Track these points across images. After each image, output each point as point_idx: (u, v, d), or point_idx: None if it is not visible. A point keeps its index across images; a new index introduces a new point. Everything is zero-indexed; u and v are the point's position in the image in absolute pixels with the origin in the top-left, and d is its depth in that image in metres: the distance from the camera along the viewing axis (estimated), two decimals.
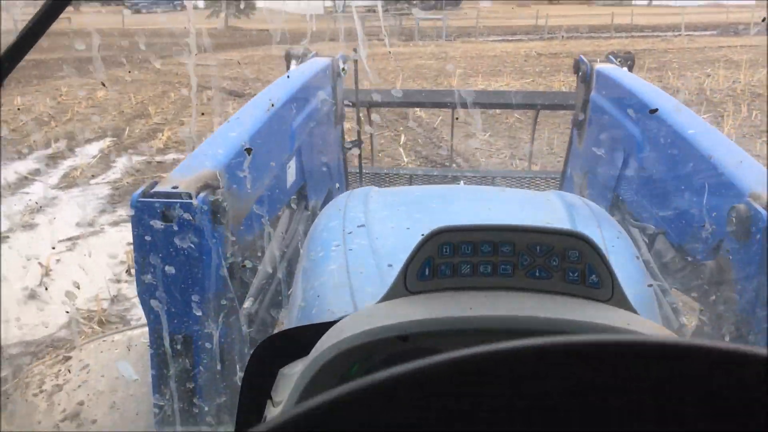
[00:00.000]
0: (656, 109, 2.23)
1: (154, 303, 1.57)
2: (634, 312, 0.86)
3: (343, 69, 2.92)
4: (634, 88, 2.51)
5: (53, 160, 7.70)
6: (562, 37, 22.29)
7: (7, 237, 5.20)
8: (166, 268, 1.55)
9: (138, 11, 32.77)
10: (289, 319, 1.63)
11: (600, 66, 2.90)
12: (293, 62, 3.07)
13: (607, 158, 2.60)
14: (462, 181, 3.56)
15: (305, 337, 0.91)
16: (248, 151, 1.77)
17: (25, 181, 6.89)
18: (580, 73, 2.97)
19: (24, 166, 7.41)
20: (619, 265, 1.46)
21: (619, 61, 3.03)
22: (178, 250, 1.53)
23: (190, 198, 1.52)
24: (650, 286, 1.49)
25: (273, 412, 0.93)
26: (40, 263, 4.52)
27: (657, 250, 2.06)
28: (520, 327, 0.78)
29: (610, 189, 2.52)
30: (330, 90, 2.97)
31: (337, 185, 3.10)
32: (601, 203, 2.46)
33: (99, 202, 6.10)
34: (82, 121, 9.91)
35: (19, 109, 10.52)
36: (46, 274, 4.49)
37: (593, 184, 2.77)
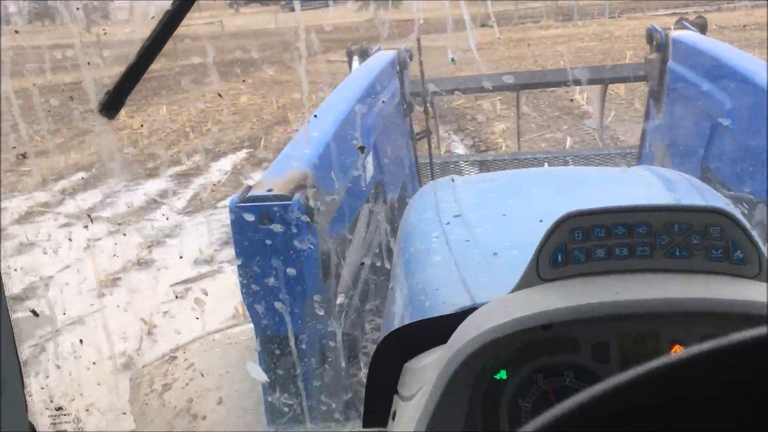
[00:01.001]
0: None
1: (259, 306, 1.63)
2: None
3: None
4: (716, 52, 2.47)
5: (186, 178, 7.54)
6: (745, 6, 20.03)
7: (118, 279, 4.86)
8: (270, 270, 1.60)
9: (292, 9, 35.27)
10: (390, 314, 1.71)
11: (675, 33, 2.85)
12: (355, 59, 3.18)
13: (692, 128, 2.56)
14: (546, 163, 3.57)
15: (430, 330, 0.94)
16: (361, 149, 1.85)
17: (153, 204, 6.68)
18: (654, 43, 2.92)
19: (155, 186, 7.26)
20: None
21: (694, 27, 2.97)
22: (280, 251, 1.59)
23: (288, 199, 1.58)
24: None
25: (401, 406, 0.95)
26: (142, 319, 3.97)
27: (757, 221, 2.03)
28: (666, 310, 0.79)
29: (697, 160, 2.49)
30: (397, 83, 3.05)
31: (409, 177, 3.17)
32: (690, 175, 2.42)
33: (222, 232, 5.53)
34: (223, 130, 9.76)
35: (142, 125, 10.32)
36: (149, 332, 3.92)
37: (676, 156, 2.74)
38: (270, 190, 1.62)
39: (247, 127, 9.83)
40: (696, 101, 2.55)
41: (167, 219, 6.08)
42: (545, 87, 5.09)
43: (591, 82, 4.11)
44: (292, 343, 1.67)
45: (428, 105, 3.43)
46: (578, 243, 0.88)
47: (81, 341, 3.64)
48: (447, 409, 0.86)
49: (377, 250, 2.37)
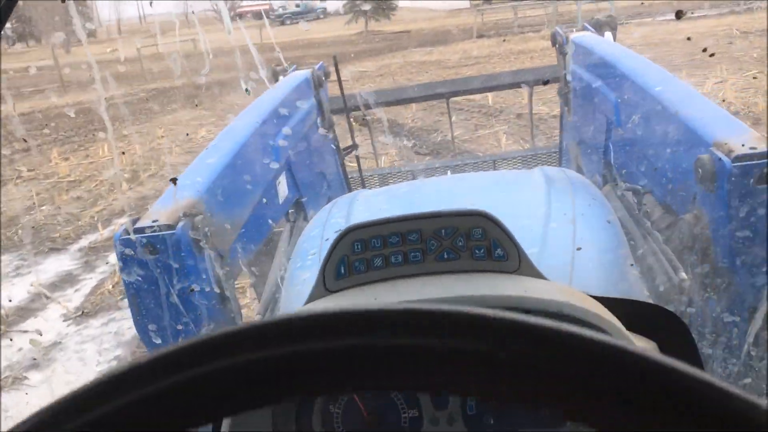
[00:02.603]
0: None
1: (155, 339, 1.79)
2: (542, 278, 1.01)
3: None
4: (605, 53, 2.85)
5: (96, 254, 6.42)
6: None
7: None
8: (161, 301, 1.74)
9: (282, 23, 36.90)
10: None
11: (575, 35, 3.26)
12: (281, 78, 3.46)
13: (593, 127, 2.94)
14: (449, 171, 3.96)
15: None
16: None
17: (37, 303, 5.38)
18: (557, 45, 3.37)
19: (55, 267, 6.20)
20: (588, 231, 1.81)
21: (598, 27, 3.41)
22: (168, 281, 1.72)
23: (172, 228, 1.72)
24: (579, 249, 1.64)
25: None
26: None
27: (646, 210, 2.35)
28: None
29: (599, 156, 2.87)
30: (313, 100, 3.34)
31: (339, 193, 3.41)
32: (596, 172, 2.84)
33: (124, 351, 4.39)
34: (166, 178, 8.51)
35: (70, 173, 9.49)
36: None
37: (586, 153, 3.14)
38: (155, 221, 1.74)
39: None
40: (593, 100, 2.91)
41: (40, 335, 4.74)
42: (471, 93, 5.45)
43: (514, 85, 4.58)
44: None
45: (351, 120, 3.76)
46: (359, 254, 1.04)
47: None
48: (255, 427, 0.99)
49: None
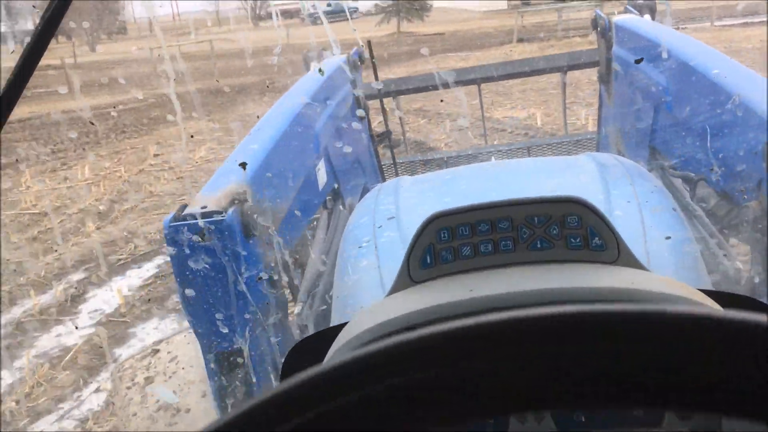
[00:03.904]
0: (641, 59, 2.72)
1: (202, 323, 1.91)
2: (644, 269, 1.01)
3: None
4: (652, 35, 3.01)
5: (30, 331, 5.24)
6: None
7: None
8: (209, 286, 1.85)
9: (314, 22, 38.03)
10: (333, 321, 1.93)
11: (618, 18, 3.46)
12: (313, 64, 3.75)
13: (638, 111, 3.09)
14: (493, 157, 4.19)
15: (333, 338, 1.09)
16: (243, 165, 2.12)
17: None
18: (599, 29, 3.57)
19: None
20: (654, 219, 1.91)
21: (639, 10, 3.62)
22: (218, 266, 1.83)
23: (221, 215, 1.83)
24: (668, 238, 1.73)
25: None
26: None
27: (700, 197, 2.45)
28: (520, 302, 0.91)
29: (645, 142, 3.01)
30: (349, 86, 3.59)
31: (373, 180, 3.67)
32: (639, 158, 2.94)
33: None
34: (146, 213, 8.16)
35: (36, 203, 8.69)
36: None
37: (628, 139, 3.30)
38: (204, 207, 1.86)
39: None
40: (639, 84, 3.06)
41: None
42: (505, 79, 5.70)
43: (548, 71, 4.89)
44: (244, 352, 1.93)
45: (385, 106, 4.03)
46: (445, 243, 1.06)
47: None
48: None
49: (337, 249, 2.73)
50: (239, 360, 1.94)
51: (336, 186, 3.10)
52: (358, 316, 1.09)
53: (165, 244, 1.86)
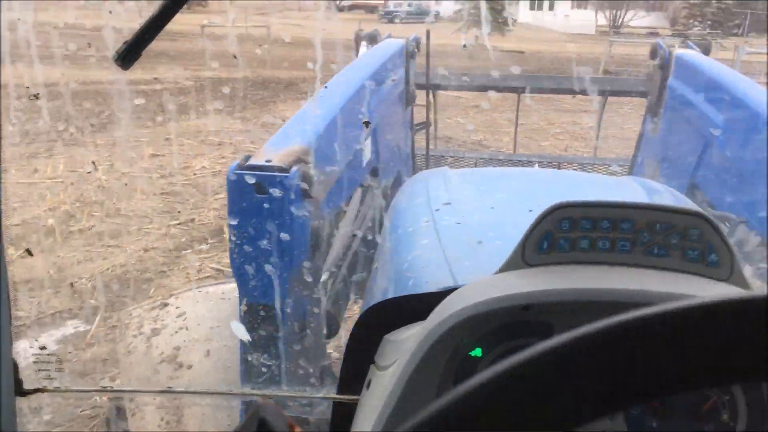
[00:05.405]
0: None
1: (246, 271, 2.10)
2: (752, 290, 1.06)
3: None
4: (715, 72, 3.31)
5: None
6: None
7: None
8: (262, 236, 2.05)
9: (391, 21, 39.38)
10: (372, 290, 2.21)
11: (679, 51, 3.81)
12: (363, 44, 4.18)
13: (684, 145, 3.37)
14: (536, 165, 4.64)
15: (411, 306, 1.21)
16: (366, 123, 2.45)
17: None
18: (658, 59, 3.92)
19: None
20: None
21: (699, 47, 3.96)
22: (274, 219, 2.03)
23: (285, 171, 2.03)
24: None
25: (377, 376, 1.25)
26: None
27: (739, 240, 2.65)
28: (640, 301, 0.87)
29: (686, 176, 3.28)
30: (403, 72, 3.98)
31: (404, 166, 4.05)
32: (677, 190, 3.19)
33: None
34: (98, 251, 6.53)
35: (31, 182, 7.91)
36: None
37: (667, 170, 3.60)
38: (269, 161, 2.07)
39: (156, 233, 7.01)
40: (691, 119, 3.36)
41: None
42: (550, 93, 6.27)
43: (593, 92, 5.32)
44: (277, 306, 2.13)
45: (431, 97, 4.48)
46: (564, 232, 1.17)
47: None
48: (420, 380, 1.14)
49: (370, 225, 3.07)
50: (271, 313, 2.14)
51: (376, 166, 3.42)
52: (469, 288, 1.21)
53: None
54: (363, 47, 4.23)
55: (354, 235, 2.90)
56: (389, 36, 4.29)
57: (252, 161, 2.09)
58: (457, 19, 37.51)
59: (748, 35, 30.68)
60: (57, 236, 6.69)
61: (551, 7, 51.76)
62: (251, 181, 2.02)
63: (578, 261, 1.18)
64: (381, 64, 3.57)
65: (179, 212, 7.45)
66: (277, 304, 2.13)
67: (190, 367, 2.64)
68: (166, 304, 3.00)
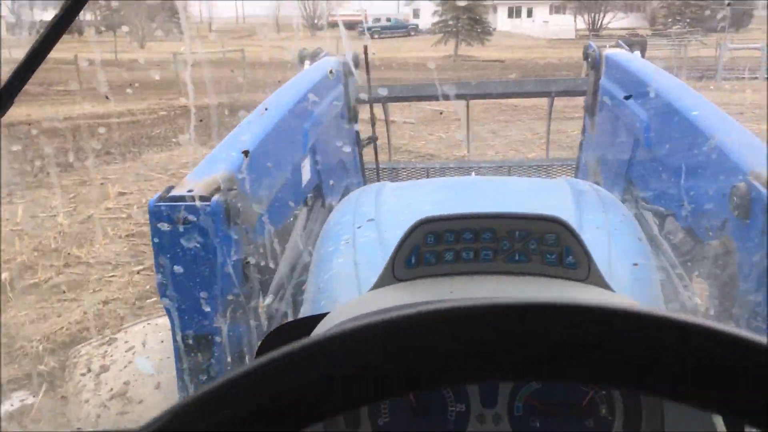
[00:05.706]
0: (630, 96, 3.09)
1: (169, 302, 2.11)
2: (610, 289, 1.18)
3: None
4: (640, 71, 3.43)
5: None
6: None
7: None
8: (178, 268, 2.05)
9: (371, 36, 40.33)
10: (303, 313, 2.18)
11: (609, 51, 3.93)
12: (306, 63, 4.25)
13: (618, 143, 3.49)
14: (473, 172, 4.72)
15: (308, 328, 1.21)
16: (245, 153, 2.40)
17: None
18: (589, 59, 4.04)
19: None
20: (620, 247, 2.21)
21: (630, 46, 4.08)
22: (197, 251, 2.05)
23: (206, 200, 2.04)
24: (635, 265, 2.00)
25: None
26: None
27: (667, 232, 2.80)
28: None
29: (622, 174, 3.40)
30: (342, 88, 4.05)
31: (354, 182, 4.11)
32: (615, 188, 3.34)
33: None
34: (54, 290, 6.49)
35: None
36: None
37: (606, 169, 3.71)
38: (191, 191, 2.08)
39: (118, 281, 6.76)
40: (622, 117, 3.46)
41: None
42: (494, 98, 6.32)
43: (536, 94, 5.52)
44: (211, 335, 2.16)
45: (373, 112, 4.52)
46: (430, 246, 1.22)
47: None
48: None
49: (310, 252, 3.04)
50: (203, 343, 2.17)
51: (318, 184, 3.45)
52: (341, 307, 1.26)
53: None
54: (306, 65, 4.30)
55: (300, 255, 2.92)
56: (327, 54, 4.37)
57: (174, 192, 2.10)
58: (436, 31, 38.05)
59: (728, 31, 31.19)
60: (9, 294, 6.39)
61: (530, 14, 52.59)
62: (172, 212, 2.03)
63: (445, 273, 1.23)
64: (314, 83, 3.61)
65: (145, 254, 7.27)
66: (211, 333, 2.16)
67: (140, 401, 2.66)
68: (114, 339, 3.01)
